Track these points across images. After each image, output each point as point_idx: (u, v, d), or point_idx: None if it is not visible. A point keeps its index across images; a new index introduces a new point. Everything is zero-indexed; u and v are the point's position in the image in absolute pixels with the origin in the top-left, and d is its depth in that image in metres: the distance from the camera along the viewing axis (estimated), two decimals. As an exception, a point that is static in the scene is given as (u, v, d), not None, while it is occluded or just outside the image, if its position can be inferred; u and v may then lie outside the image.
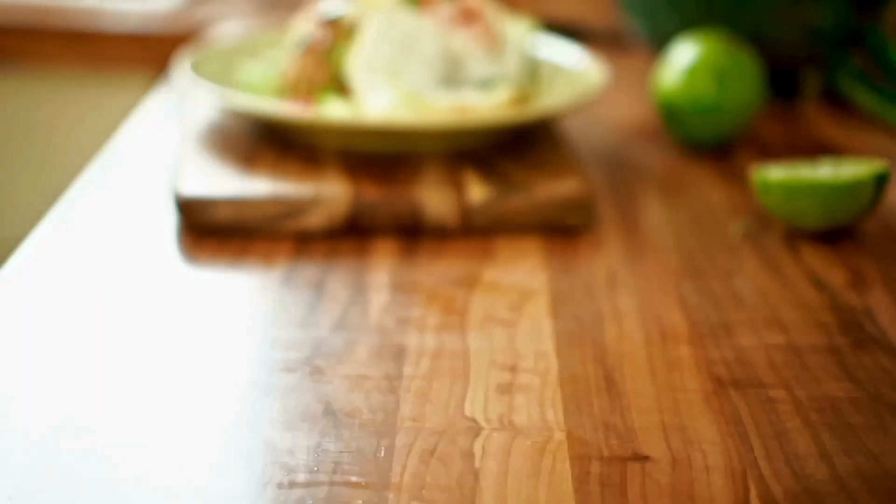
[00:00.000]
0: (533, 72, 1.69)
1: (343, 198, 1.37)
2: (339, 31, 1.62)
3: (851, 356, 1.13)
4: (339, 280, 1.26)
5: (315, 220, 1.36)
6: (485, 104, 1.56)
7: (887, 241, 1.41)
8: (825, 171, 1.38)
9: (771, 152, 1.68)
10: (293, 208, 1.36)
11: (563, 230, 1.40)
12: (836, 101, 1.90)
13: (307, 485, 0.90)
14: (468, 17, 1.62)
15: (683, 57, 1.66)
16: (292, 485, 0.90)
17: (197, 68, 1.66)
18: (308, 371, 1.07)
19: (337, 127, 1.52)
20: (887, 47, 1.77)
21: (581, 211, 1.42)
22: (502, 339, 1.14)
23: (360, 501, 0.88)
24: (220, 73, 1.69)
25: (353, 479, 0.91)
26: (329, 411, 1.00)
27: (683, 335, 1.16)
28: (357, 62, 1.58)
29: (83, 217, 1.44)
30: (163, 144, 1.66)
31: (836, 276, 1.30)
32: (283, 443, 0.95)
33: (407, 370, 1.08)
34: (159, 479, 0.91)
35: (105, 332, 1.13)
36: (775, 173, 1.39)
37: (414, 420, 1.00)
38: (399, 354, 1.10)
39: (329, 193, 1.37)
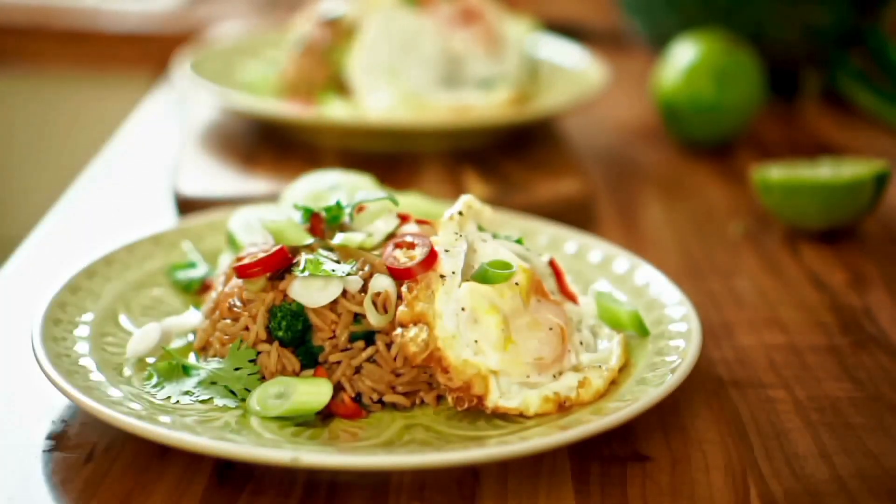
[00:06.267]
0: (533, 72, 1.69)
1: (343, 198, 1.37)
2: (339, 31, 1.63)
3: (851, 356, 1.13)
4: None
5: (315, 220, 1.36)
6: (485, 104, 1.56)
7: (887, 241, 1.41)
8: (825, 171, 1.38)
9: (771, 152, 1.68)
10: (293, 208, 1.36)
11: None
12: (836, 101, 1.90)
13: (308, 484, 0.90)
14: (468, 17, 1.62)
15: (683, 57, 1.66)
16: (293, 484, 0.90)
17: (197, 68, 1.66)
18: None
19: (337, 127, 1.52)
20: (887, 47, 1.77)
21: (581, 210, 1.42)
22: (502, 339, 1.14)
23: (361, 501, 0.89)
24: (220, 73, 1.69)
25: (354, 478, 0.91)
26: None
27: (683, 335, 1.16)
28: (357, 62, 1.58)
29: (84, 216, 1.44)
30: (163, 144, 1.66)
31: (836, 276, 1.30)
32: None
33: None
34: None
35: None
36: (775, 173, 1.39)
37: (414, 420, 1.00)
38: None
39: (329, 193, 1.37)
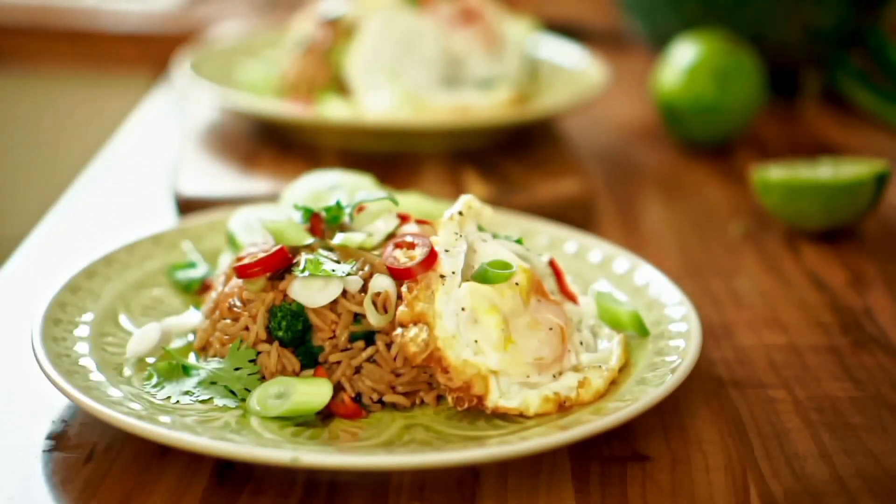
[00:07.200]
0: (533, 72, 1.69)
1: (343, 198, 1.37)
2: (339, 31, 1.62)
3: (851, 356, 1.13)
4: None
5: (315, 220, 1.36)
6: (485, 104, 1.56)
7: (887, 241, 1.40)
8: (825, 171, 1.38)
9: (771, 152, 1.68)
10: (293, 208, 1.36)
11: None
12: (836, 101, 1.90)
13: (308, 484, 0.90)
14: (468, 16, 1.62)
15: (683, 57, 1.66)
16: (293, 484, 0.90)
17: (197, 68, 1.66)
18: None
19: (337, 127, 1.52)
20: (887, 47, 1.77)
21: (581, 210, 1.42)
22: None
23: (361, 501, 0.89)
24: (220, 73, 1.69)
25: (354, 478, 0.91)
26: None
27: (683, 335, 1.16)
28: (357, 62, 1.58)
29: (84, 216, 1.44)
30: (163, 144, 1.66)
31: (836, 276, 1.30)
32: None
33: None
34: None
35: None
36: (775, 173, 1.39)
37: (414, 420, 1.00)
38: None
39: (329, 193, 1.37)
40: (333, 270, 0.98)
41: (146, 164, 1.61)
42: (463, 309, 0.95)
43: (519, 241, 1.05)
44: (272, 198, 1.29)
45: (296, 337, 0.98)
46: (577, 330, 1.03)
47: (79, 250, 1.28)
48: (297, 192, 1.17)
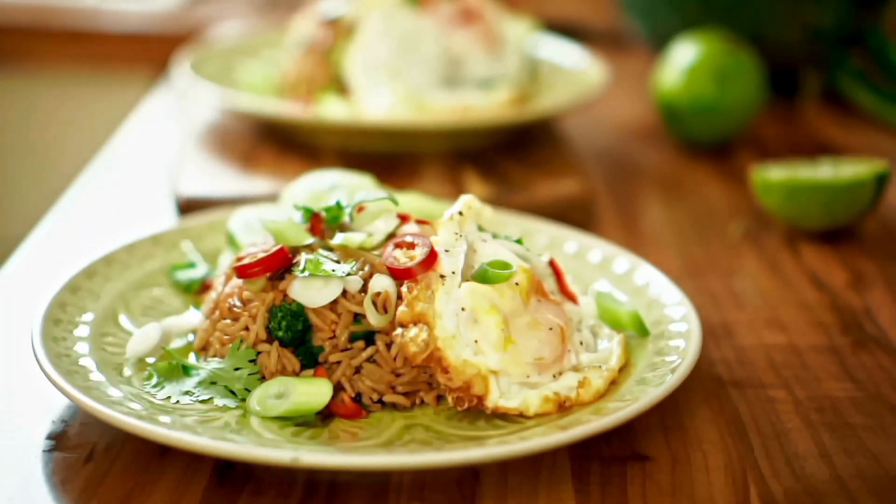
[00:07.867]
0: (533, 72, 1.69)
1: (343, 198, 1.37)
2: (339, 31, 1.63)
3: (851, 356, 1.13)
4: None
5: (315, 220, 1.36)
6: (485, 104, 1.56)
7: (887, 241, 1.40)
8: (825, 171, 1.38)
9: (771, 152, 1.68)
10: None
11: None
12: (836, 101, 1.90)
13: (308, 484, 0.90)
14: (468, 16, 1.62)
15: (683, 57, 1.66)
16: (293, 484, 0.90)
17: (197, 68, 1.66)
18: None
19: (337, 127, 1.52)
20: (887, 47, 1.77)
21: (581, 210, 1.42)
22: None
23: (361, 501, 0.89)
24: (220, 73, 1.69)
25: (354, 478, 0.91)
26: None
27: (683, 335, 1.15)
28: (356, 62, 1.58)
29: (84, 216, 1.44)
30: (163, 144, 1.66)
31: (836, 276, 1.30)
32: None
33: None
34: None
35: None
36: (775, 173, 1.39)
37: (414, 420, 1.00)
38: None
39: (329, 193, 1.37)
40: (333, 270, 0.98)
41: (146, 164, 1.61)
42: (463, 309, 0.95)
43: (519, 241, 1.05)
44: (272, 198, 1.29)
45: (296, 337, 0.98)
46: (577, 330, 1.03)
47: (79, 250, 1.28)
48: (297, 192, 1.17)
